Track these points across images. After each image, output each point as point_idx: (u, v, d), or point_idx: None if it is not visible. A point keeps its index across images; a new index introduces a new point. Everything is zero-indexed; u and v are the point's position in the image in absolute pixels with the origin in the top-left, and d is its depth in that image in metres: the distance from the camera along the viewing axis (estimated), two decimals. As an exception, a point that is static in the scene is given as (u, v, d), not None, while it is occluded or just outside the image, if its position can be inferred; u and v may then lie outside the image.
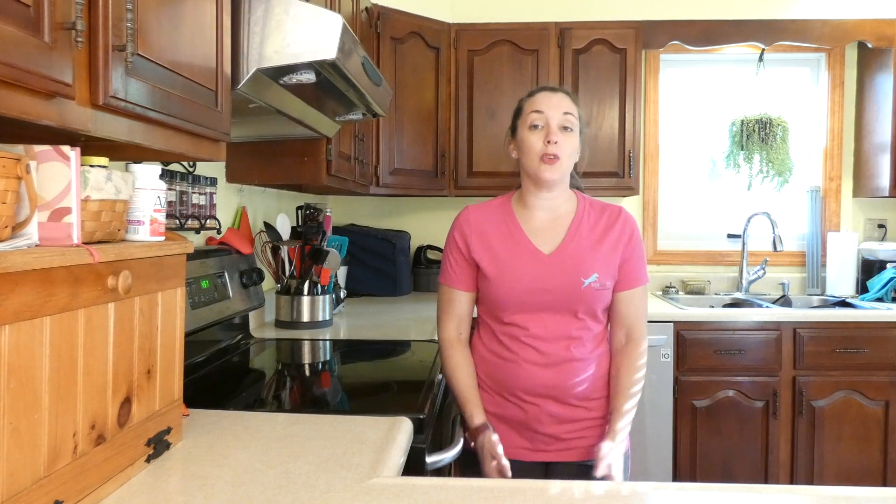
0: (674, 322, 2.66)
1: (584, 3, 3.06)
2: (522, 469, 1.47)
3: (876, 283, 3.02)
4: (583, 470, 1.47)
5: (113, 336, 0.92)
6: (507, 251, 1.49)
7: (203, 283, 1.75)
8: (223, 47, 1.13)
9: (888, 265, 3.03)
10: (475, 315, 1.59)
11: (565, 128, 1.47)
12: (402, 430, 1.22)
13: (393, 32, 2.80)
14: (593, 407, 1.48)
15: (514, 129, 1.55)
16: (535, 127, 1.47)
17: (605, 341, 1.54)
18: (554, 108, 1.47)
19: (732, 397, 2.65)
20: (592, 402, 1.48)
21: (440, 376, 1.70)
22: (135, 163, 1.07)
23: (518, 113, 1.54)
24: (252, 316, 2.20)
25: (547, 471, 1.50)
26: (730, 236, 3.38)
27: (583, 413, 1.48)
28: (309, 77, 1.32)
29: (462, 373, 1.51)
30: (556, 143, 1.45)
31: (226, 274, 1.90)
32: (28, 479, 0.76)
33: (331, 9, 1.93)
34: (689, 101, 3.43)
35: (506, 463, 1.38)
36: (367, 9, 2.63)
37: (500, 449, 1.39)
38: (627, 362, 1.50)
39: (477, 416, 1.46)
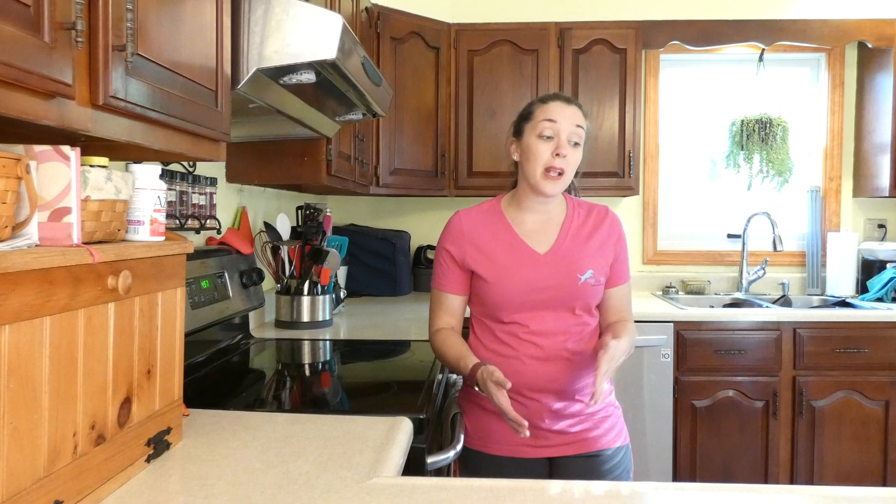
0: (674, 322, 2.66)
1: (584, 3, 3.06)
2: (526, 466, 1.48)
3: (876, 283, 3.02)
4: (586, 462, 1.48)
5: (113, 336, 0.92)
6: (504, 254, 1.50)
7: (203, 283, 1.75)
8: (223, 47, 1.13)
9: (888, 265, 3.03)
10: (467, 316, 1.59)
11: (573, 142, 1.47)
12: (402, 430, 1.22)
13: (393, 32, 2.80)
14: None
15: (519, 131, 1.53)
16: (546, 137, 1.46)
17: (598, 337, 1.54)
18: (567, 119, 1.46)
19: (732, 397, 2.65)
20: (591, 395, 1.49)
21: (440, 376, 1.70)
22: (135, 163, 1.07)
23: (527, 117, 1.51)
24: (252, 316, 2.20)
25: (550, 466, 1.50)
26: (730, 236, 3.38)
27: (582, 407, 1.49)
28: (309, 77, 1.32)
29: (452, 340, 1.51)
30: (564, 156, 1.45)
31: (226, 274, 1.90)
32: (28, 479, 0.76)
33: (331, 9, 1.93)
34: (689, 101, 3.42)
35: (508, 385, 1.33)
36: (367, 9, 2.63)
37: (499, 373, 1.34)
38: (620, 324, 1.53)
39: (471, 360, 1.43)
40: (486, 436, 1.51)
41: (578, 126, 1.47)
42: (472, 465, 1.52)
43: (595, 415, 1.50)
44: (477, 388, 1.41)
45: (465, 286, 1.55)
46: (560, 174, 1.46)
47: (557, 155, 1.45)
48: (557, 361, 1.46)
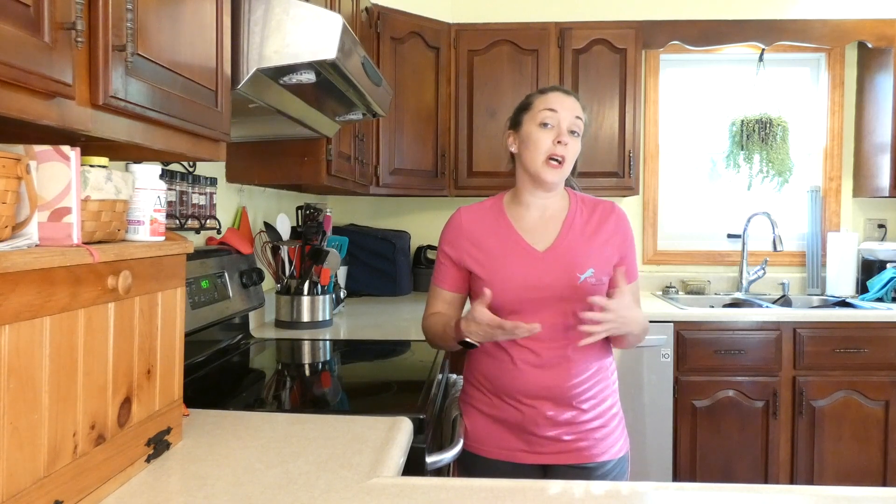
0: (674, 322, 2.66)
1: (584, 3, 3.06)
2: (519, 471, 1.46)
3: (876, 283, 3.02)
4: (580, 473, 1.46)
5: (113, 336, 0.92)
6: (500, 250, 1.48)
7: (203, 283, 1.75)
8: (223, 47, 1.13)
9: (888, 265, 3.03)
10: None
11: (573, 132, 1.47)
12: (402, 430, 1.22)
13: (393, 32, 2.80)
14: (591, 409, 1.47)
15: (517, 123, 1.53)
16: (546, 125, 1.46)
17: (600, 341, 1.51)
18: (567, 110, 1.46)
19: (732, 397, 2.65)
20: (590, 403, 1.47)
21: (440, 376, 1.70)
22: (135, 163, 1.07)
23: (526, 107, 1.51)
24: (252, 316, 2.20)
25: (544, 474, 1.49)
26: (730, 236, 3.38)
27: (580, 415, 1.46)
28: (309, 77, 1.32)
29: (438, 317, 1.53)
30: (565, 144, 1.45)
31: (226, 274, 1.90)
32: (28, 479, 0.76)
33: (331, 9, 1.93)
34: (689, 101, 3.42)
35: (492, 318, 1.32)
36: (367, 9, 2.63)
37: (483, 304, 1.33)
38: None
39: (454, 321, 1.43)
40: (482, 438, 1.50)
41: (578, 117, 1.47)
42: (469, 467, 1.51)
43: (590, 423, 1.46)
44: (470, 340, 1.38)
45: (463, 285, 1.55)
46: (560, 163, 1.45)
47: (559, 143, 1.45)
48: (554, 368, 1.43)
